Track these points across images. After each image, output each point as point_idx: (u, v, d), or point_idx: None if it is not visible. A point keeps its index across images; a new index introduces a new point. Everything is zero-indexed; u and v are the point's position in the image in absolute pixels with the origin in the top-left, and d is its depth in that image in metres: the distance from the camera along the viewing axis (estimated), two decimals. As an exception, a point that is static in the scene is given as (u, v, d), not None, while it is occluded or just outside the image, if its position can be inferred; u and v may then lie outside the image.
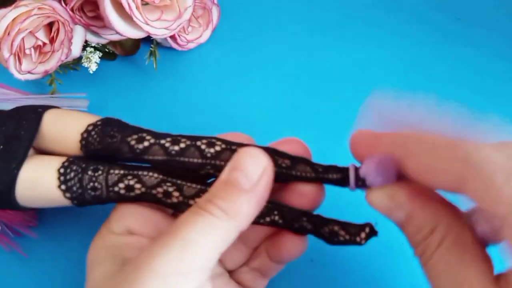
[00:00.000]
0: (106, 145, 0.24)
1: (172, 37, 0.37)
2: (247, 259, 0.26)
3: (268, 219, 0.23)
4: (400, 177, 0.21)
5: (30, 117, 0.25)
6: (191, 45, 0.39)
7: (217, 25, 0.39)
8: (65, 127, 0.25)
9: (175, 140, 0.23)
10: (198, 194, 0.23)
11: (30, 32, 0.30)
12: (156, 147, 0.23)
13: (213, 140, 0.23)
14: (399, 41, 0.40)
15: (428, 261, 0.19)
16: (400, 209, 0.20)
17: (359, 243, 0.23)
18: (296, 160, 0.23)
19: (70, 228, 0.30)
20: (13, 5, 0.30)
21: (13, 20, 0.29)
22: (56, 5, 0.31)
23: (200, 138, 0.24)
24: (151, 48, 0.37)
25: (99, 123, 0.24)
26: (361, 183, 0.22)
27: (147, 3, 0.32)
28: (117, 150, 0.24)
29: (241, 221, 0.20)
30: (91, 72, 0.35)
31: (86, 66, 0.35)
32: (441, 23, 0.42)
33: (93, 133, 0.24)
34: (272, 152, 0.23)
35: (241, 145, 0.23)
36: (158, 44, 0.38)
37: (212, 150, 0.23)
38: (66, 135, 0.25)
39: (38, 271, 0.28)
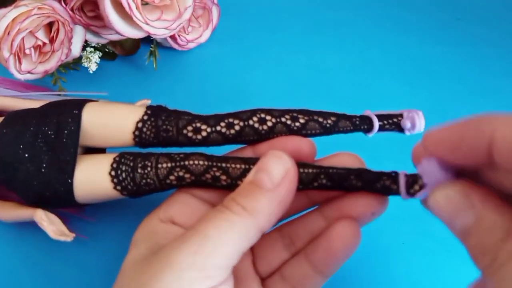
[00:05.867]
0: (162, 139, 0.25)
1: (172, 37, 0.37)
2: (282, 264, 0.24)
3: (315, 183, 0.23)
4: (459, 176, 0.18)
5: (68, 120, 0.25)
6: (191, 45, 0.39)
7: (217, 25, 0.39)
8: (112, 126, 0.25)
9: (229, 124, 0.25)
10: (244, 174, 0.23)
11: (30, 32, 0.30)
12: (214, 135, 0.25)
13: (263, 116, 0.25)
14: (400, 40, 0.40)
15: (495, 273, 0.16)
16: (470, 210, 0.17)
17: (413, 196, 0.22)
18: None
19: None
20: (13, 5, 0.30)
21: (13, 20, 0.29)
22: (56, 5, 0.31)
23: (249, 115, 0.25)
24: (151, 48, 0.37)
25: (145, 117, 0.25)
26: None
27: (147, 3, 0.32)
28: (174, 142, 0.25)
29: (261, 220, 0.20)
30: (91, 72, 0.35)
31: (86, 66, 0.35)
32: (442, 23, 0.42)
33: (144, 129, 0.25)
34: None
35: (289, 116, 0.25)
36: (158, 44, 0.38)
37: (265, 127, 0.25)
38: (116, 133, 0.25)
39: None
